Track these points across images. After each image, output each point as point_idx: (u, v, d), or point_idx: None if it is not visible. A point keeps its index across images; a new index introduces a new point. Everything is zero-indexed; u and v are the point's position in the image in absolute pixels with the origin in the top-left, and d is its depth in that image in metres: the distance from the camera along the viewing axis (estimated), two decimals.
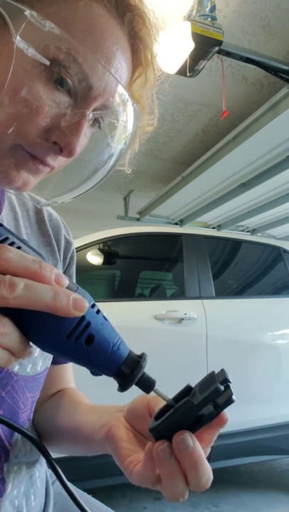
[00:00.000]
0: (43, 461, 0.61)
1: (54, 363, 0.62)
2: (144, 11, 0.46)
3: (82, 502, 0.45)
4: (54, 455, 0.48)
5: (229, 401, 0.35)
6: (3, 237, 0.32)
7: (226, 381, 0.35)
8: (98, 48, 0.42)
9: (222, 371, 0.36)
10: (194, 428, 0.35)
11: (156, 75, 0.52)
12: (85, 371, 0.36)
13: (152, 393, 0.38)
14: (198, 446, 0.35)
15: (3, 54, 0.39)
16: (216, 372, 0.37)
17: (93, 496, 0.64)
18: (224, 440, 2.09)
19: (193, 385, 0.38)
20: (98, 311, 0.34)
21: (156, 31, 0.48)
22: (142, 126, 0.53)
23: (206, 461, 0.35)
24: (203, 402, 0.34)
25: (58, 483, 0.66)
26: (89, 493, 0.64)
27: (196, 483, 0.35)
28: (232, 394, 0.35)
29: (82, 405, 0.58)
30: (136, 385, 0.36)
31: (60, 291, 0.30)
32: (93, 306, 0.34)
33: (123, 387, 0.35)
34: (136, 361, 0.35)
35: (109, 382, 0.40)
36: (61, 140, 0.42)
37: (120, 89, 0.44)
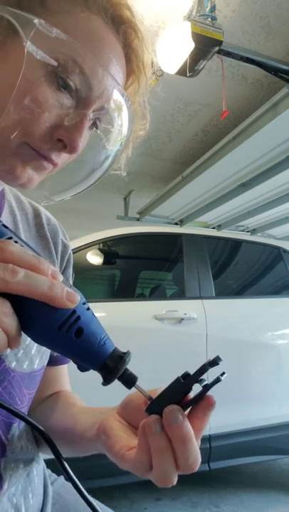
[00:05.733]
0: (40, 459, 0.62)
1: (50, 364, 0.63)
2: (137, 23, 0.51)
3: (91, 499, 0.46)
4: (49, 456, 0.47)
5: (216, 380, 0.37)
6: (8, 236, 0.37)
7: (214, 363, 0.36)
8: (97, 54, 0.46)
9: (217, 357, 0.38)
10: (184, 406, 0.38)
11: (148, 82, 0.56)
12: (81, 375, 0.37)
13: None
14: (187, 422, 0.37)
15: (11, 59, 0.43)
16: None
17: (93, 496, 0.64)
18: (224, 440, 2.09)
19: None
20: (88, 308, 0.37)
21: (148, 43, 0.53)
22: (135, 131, 0.58)
23: (194, 440, 0.37)
24: (190, 378, 0.37)
25: (57, 483, 0.66)
26: (89, 493, 0.64)
27: (184, 461, 0.37)
28: (222, 374, 0.37)
29: (75, 406, 0.59)
30: (118, 380, 0.38)
31: (55, 283, 0.34)
32: (84, 303, 0.37)
33: (107, 380, 0.38)
34: (120, 356, 0.38)
35: (105, 386, 0.40)
36: (65, 137, 0.45)
37: (118, 91, 0.48)
